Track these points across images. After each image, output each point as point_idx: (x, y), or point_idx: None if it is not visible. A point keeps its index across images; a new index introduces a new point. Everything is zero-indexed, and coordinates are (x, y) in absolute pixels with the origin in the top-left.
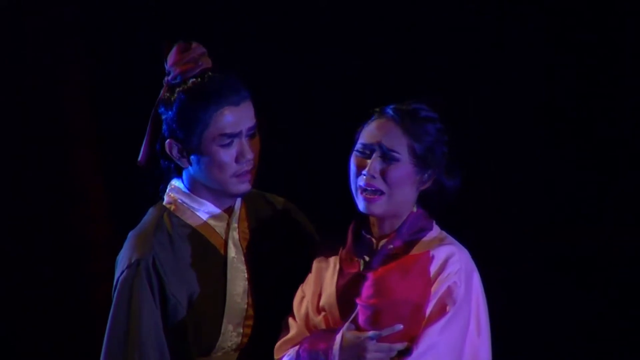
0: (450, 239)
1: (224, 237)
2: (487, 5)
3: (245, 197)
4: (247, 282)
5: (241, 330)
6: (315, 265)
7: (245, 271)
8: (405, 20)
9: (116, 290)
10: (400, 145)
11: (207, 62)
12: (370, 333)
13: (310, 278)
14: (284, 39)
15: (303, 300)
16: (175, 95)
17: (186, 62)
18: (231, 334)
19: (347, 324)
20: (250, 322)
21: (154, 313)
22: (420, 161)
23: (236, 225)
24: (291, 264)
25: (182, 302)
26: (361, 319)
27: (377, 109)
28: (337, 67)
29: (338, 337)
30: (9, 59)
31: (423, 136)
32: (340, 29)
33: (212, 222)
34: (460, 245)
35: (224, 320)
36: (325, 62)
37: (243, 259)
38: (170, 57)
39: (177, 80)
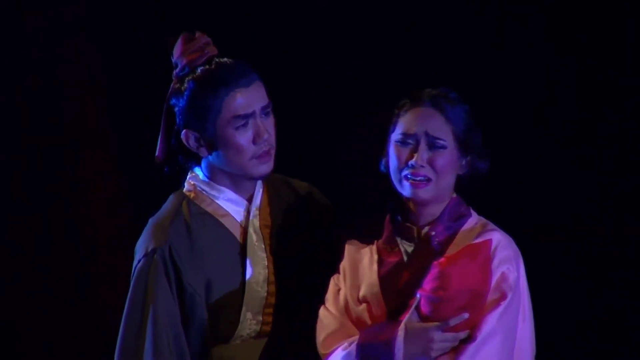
0: (492, 225)
1: (243, 225)
2: (487, 5)
3: (267, 183)
4: (267, 270)
5: (260, 319)
6: (348, 256)
7: (266, 259)
8: (405, 20)
9: (133, 279)
10: (446, 132)
11: (212, 50)
12: (437, 323)
13: (345, 270)
14: (284, 39)
15: (340, 293)
16: (185, 84)
17: (192, 52)
18: (250, 322)
19: (409, 315)
20: (270, 310)
21: (170, 302)
22: (463, 146)
23: (257, 212)
24: (314, 251)
25: (199, 290)
26: (426, 310)
27: (408, 99)
28: (337, 67)
29: (401, 328)
30: (9, 59)
31: (461, 120)
32: (340, 29)
33: (231, 210)
34: (504, 232)
35: (243, 309)
36: (325, 62)
37: (263, 246)
38: (176, 49)
39: (186, 71)
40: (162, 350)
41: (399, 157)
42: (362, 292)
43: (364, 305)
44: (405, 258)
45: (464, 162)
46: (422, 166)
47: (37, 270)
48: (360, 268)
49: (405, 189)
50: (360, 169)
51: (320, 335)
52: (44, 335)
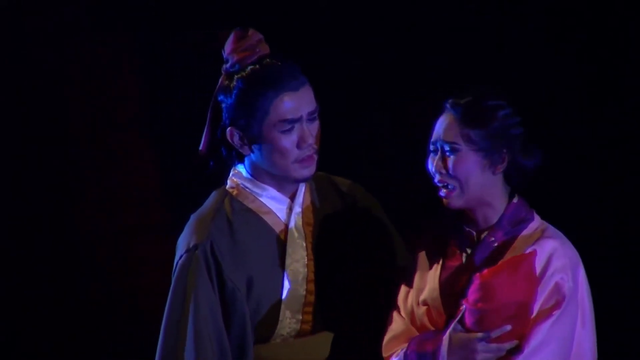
0: (551, 230)
1: (286, 222)
2: (487, 5)
3: (310, 180)
4: (306, 269)
5: (300, 317)
6: (420, 259)
7: (306, 257)
8: (405, 20)
9: (174, 275)
10: (456, 135)
11: (264, 49)
12: (480, 334)
13: (415, 273)
14: (284, 39)
15: (408, 295)
16: (234, 83)
17: (244, 50)
18: (290, 321)
19: (453, 325)
20: (310, 309)
21: (211, 298)
22: (480, 146)
23: (300, 210)
24: (356, 250)
25: (240, 287)
26: (469, 321)
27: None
28: (337, 67)
29: (445, 339)
30: (9, 59)
31: (482, 121)
32: (340, 29)
33: (274, 207)
34: (563, 237)
35: (282, 307)
36: (325, 62)
37: (304, 244)
38: (228, 45)
39: (235, 68)
40: (203, 346)
41: (429, 166)
42: (423, 295)
43: (424, 308)
44: (465, 262)
45: (496, 159)
46: (440, 172)
47: (37, 270)
48: (427, 271)
49: (442, 198)
50: (364, 169)
51: (385, 337)
52: (44, 335)
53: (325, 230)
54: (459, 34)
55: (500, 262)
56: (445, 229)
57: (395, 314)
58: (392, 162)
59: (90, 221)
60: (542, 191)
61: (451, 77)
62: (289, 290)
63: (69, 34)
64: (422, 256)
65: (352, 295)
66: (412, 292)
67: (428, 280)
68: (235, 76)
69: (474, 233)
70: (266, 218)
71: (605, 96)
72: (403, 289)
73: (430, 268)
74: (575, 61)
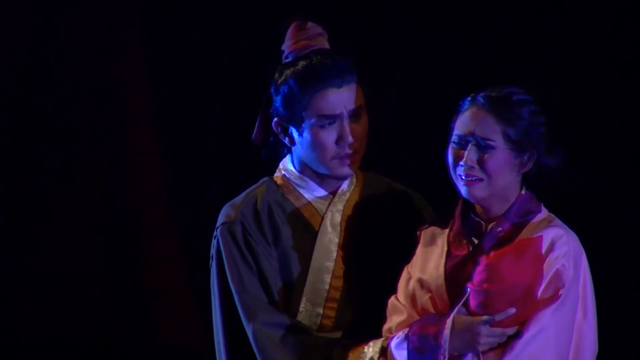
0: (557, 221)
1: (323, 216)
2: (487, 5)
3: (364, 181)
4: (334, 264)
5: (321, 311)
6: (421, 246)
7: (336, 252)
8: (408, 20)
9: (211, 260)
10: (494, 132)
11: (320, 43)
12: (484, 317)
13: (417, 260)
14: (284, 38)
15: (410, 282)
16: (283, 75)
17: (298, 41)
18: (310, 313)
19: (457, 308)
20: (333, 305)
21: (245, 266)
22: (516, 145)
23: (341, 207)
24: (393, 256)
25: (264, 272)
26: (473, 304)
27: (469, 98)
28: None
29: (449, 321)
30: (10, 58)
31: (517, 120)
32: (340, 29)
33: (313, 201)
34: (568, 228)
35: (303, 298)
36: None
37: (337, 240)
38: (287, 37)
39: (288, 59)
40: (253, 310)
41: (452, 157)
42: (426, 283)
43: (428, 295)
44: (471, 252)
45: (524, 159)
46: (471, 166)
47: (38, 270)
48: (430, 258)
49: (462, 189)
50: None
51: (387, 324)
52: (44, 336)
53: (366, 231)
54: (461, 33)
55: (507, 246)
56: (450, 218)
57: (395, 301)
58: (392, 162)
59: (91, 221)
60: (542, 189)
61: (453, 77)
62: (311, 282)
63: (71, 31)
64: (426, 242)
65: (380, 298)
66: (414, 279)
67: (432, 268)
68: (285, 70)
69: (482, 223)
70: (303, 210)
71: (607, 96)
72: (404, 276)
73: (434, 256)
74: (575, 61)
